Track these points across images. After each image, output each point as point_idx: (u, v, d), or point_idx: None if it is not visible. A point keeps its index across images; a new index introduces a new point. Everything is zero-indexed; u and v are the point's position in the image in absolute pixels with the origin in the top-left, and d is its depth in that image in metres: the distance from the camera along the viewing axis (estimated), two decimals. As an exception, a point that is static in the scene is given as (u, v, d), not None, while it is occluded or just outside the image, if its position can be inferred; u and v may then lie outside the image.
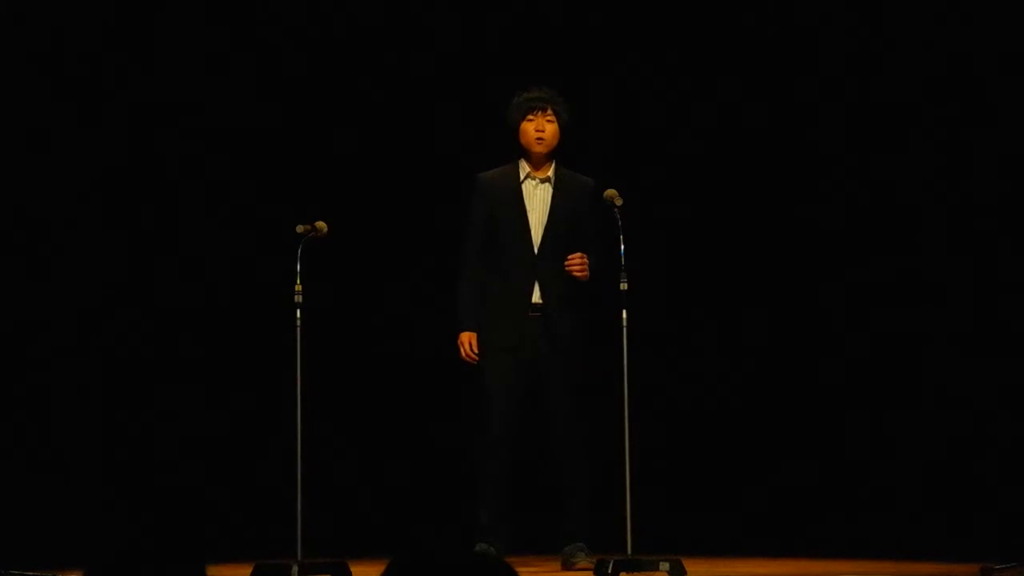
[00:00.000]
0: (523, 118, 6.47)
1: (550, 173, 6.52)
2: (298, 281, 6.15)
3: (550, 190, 6.50)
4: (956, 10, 7.31)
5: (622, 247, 6.07)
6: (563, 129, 6.49)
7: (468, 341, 6.43)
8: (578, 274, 6.37)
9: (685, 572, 5.86)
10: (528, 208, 6.47)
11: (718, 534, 7.51)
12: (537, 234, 6.44)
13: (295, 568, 5.87)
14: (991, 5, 7.24)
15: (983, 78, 7.23)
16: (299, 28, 7.87)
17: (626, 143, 7.84)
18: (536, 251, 6.43)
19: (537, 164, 6.51)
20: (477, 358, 6.41)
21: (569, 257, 6.36)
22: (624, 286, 6.07)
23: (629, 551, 5.91)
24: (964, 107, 7.26)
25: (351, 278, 7.79)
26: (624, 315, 6.07)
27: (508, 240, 6.45)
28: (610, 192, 6.19)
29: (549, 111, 6.47)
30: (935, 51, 7.35)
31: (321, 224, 6.23)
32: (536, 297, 6.41)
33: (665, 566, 5.83)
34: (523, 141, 6.49)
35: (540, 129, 6.47)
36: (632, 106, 7.90)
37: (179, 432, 7.49)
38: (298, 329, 6.11)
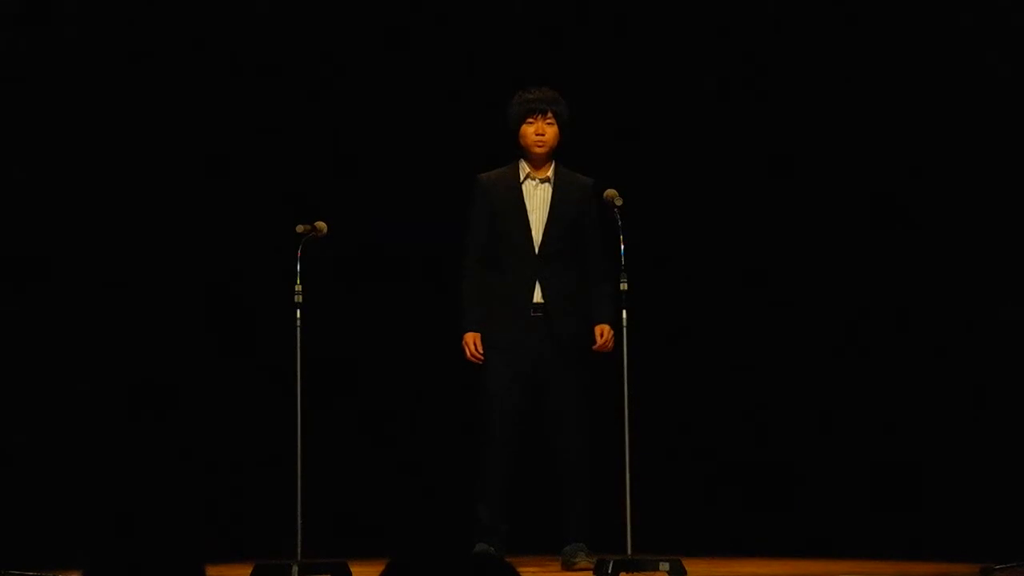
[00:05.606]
0: (523, 121, 6.48)
1: (550, 173, 6.52)
2: (298, 281, 6.15)
3: (550, 190, 6.50)
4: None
5: (622, 247, 6.07)
6: (563, 129, 6.50)
7: (473, 341, 6.43)
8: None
9: (685, 572, 5.86)
10: (529, 208, 6.47)
11: (718, 534, 7.51)
12: (538, 234, 6.44)
13: (295, 568, 5.87)
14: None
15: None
16: (299, 25, 7.86)
17: (626, 143, 7.83)
18: (537, 251, 6.43)
19: (537, 164, 6.51)
20: (483, 358, 6.42)
21: (600, 344, 6.36)
22: (624, 286, 6.07)
23: (629, 551, 5.91)
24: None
25: (351, 278, 7.79)
26: (624, 315, 6.07)
27: (509, 240, 6.45)
28: (610, 192, 6.19)
29: (549, 114, 6.47)
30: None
31: (321, 224, 6.23)
32: (537, 297, 6.42)
33: (665, 566, 5.83)
34: (523, 143, 6.50)
35: (540, 133, 6.47)
36: (632, 106, 7.89)
37: (178, 432, 7.48)
38: (298, 329, 6.11)
